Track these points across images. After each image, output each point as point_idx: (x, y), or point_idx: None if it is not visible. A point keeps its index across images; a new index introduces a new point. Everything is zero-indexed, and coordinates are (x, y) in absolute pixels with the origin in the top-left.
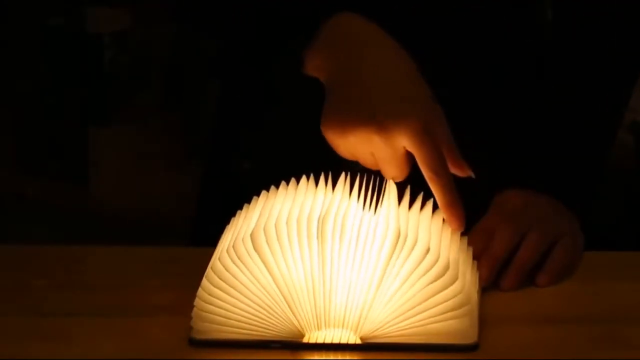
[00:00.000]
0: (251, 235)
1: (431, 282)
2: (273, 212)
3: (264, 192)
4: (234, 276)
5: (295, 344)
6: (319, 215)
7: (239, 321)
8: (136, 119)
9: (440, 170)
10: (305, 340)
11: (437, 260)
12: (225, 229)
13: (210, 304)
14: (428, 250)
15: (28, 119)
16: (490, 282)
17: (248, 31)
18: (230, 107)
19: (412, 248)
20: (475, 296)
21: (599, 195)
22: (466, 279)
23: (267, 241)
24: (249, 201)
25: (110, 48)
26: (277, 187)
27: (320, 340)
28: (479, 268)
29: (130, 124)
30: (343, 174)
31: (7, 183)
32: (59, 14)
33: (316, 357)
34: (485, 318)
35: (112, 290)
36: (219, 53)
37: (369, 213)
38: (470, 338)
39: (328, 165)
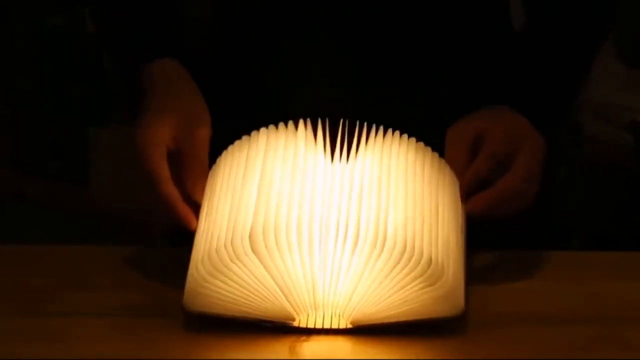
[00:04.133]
0: (250, 237)
1: (424, 287)
2: (271, 208)
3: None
4: (229, 269)
5: (287, 327)
6: (320, 220)
7: (230, 302)
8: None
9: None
10: (296, 323)
11: (429, 265)
12: (215, 178)
13: (203, 285)
14: (430, 262)
15: (28, 118)
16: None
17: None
18: (216, 105)
19: (418, 263)
20: (455, 267)
21: (595, 190)
22: (451, 269)
23: (266, 246)
24: None
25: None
26: None
27: (311, 324)
28: (475, 203)
29: (131, 124)
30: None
31: (7, 183)
32: (59, 14)
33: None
34: (485, 318)
35: (112, 290)
36: (206, 52)
37: (370, 214)
38: (454, 310)
39: None
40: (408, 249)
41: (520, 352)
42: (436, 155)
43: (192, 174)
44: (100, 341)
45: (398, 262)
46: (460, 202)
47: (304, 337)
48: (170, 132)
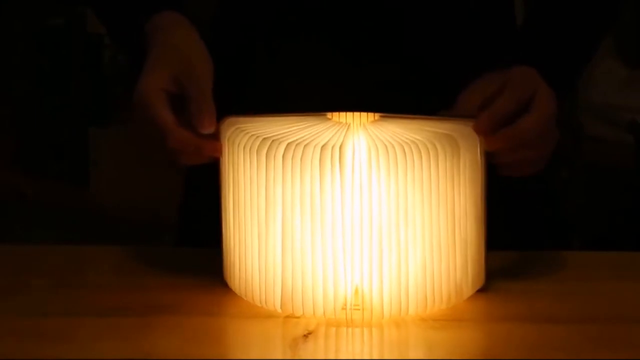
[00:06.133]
0: (281, 304)
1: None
2: (297, 266)
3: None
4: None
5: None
6: (344, 282)
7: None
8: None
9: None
10: None
11: (457, 301)
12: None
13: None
14: (459, 295)
15: (28, 119)
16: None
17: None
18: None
19: (444, 306)
20: (476, 269)
21: (595, 190)
22: (475, 279)
23: (294, 313)
24: None
25: (110, 48)
26: None
27: None
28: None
29: (130, 124)
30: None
31: (7, 183)
32: (59, 14)
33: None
34: (484, 317)
35: (112, 290)
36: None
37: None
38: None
39: None
40: (429, 302)
41: (519, 352)
42: (450, 122)
43: (199, 110)
44: (100, 341)
45: (422, 312)
46: (480, 164)
47: (304, 337)
48: (168, 76)
